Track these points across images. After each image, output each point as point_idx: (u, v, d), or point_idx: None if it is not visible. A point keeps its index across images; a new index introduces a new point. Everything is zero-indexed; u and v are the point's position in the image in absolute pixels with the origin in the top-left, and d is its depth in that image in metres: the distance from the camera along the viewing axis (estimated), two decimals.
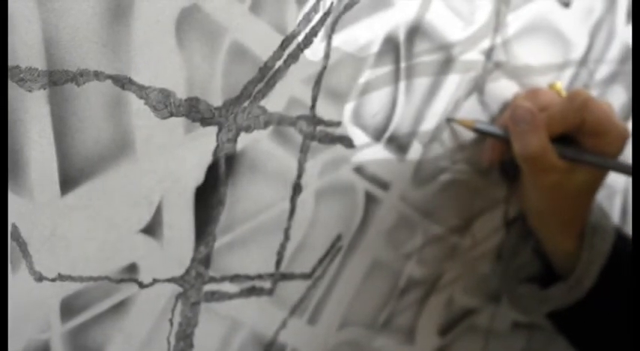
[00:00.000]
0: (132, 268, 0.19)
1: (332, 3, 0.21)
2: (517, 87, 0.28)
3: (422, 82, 0.24)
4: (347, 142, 0.23)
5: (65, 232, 0.17)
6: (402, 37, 0.23)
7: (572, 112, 0.24)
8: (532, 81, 0.28)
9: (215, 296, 0.21)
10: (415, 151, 0.25)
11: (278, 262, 0.23)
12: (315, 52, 0.21)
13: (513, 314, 0.33)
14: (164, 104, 0.18)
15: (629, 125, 0.32)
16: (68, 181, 0.17)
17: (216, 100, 0.19)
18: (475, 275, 0.30)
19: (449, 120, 0.25)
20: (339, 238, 0.24)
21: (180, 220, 0.20)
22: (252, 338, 0.23)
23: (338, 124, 0.22)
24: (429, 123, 0.25)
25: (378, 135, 0.24)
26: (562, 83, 0.28)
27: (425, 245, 0.27)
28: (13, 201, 0.16)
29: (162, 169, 0.19)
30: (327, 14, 0.20)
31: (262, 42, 0.19)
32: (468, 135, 0.27)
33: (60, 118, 0.17)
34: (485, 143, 0.27)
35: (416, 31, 0.23)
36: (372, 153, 0.24)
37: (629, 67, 0.33)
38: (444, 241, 0.28)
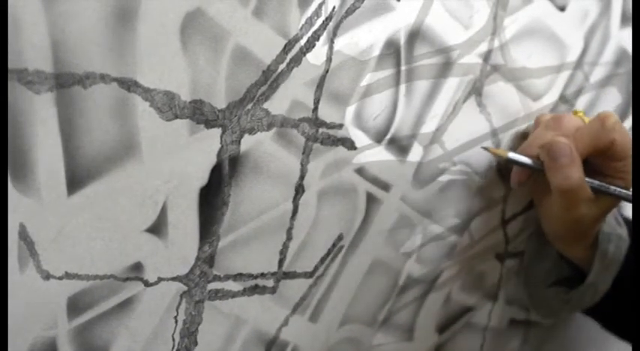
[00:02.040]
0: (137, 267, 0.19)
1: (334, 7, 0.21)
2: (514, 89, 0.28)
3: (422, 85, 0.24)
4: (349, 143, 0.23)
5: (72, 232, 0.18)
6: (402, 40, 0.23)
7: (604, 133, 0.24)
8: (529, 83, 0.29)
9: (219, 294, 0.22)
10: (415, 153, 0.25)
11: (280, 261, 0.23)
12: (317, 56, 0.21)
13: (510, 312, 0.33)
14: (169, 106, 0.18)
15: (628, 125, 0.32)
16: (75, 181, 0.17)
17: (220, 103, 0.19)
18: (473, 273, 0.30)
19: (483, 148, 0.26)
20: (340, 237, 0.24)
21: (185, 220, 0.20)
22: (254, 335, 0.23)
23: (340, 126, 0.23)
24: (429, 125, 0.25)
25: (379, 137, 0.24)
26: (558, 86, 0.28)
27: (424, 244, 0.27)
28: (21, 201, 0.17)
29: (167, 170, 0.19)
30: (329, 18, 0.21)
31: (265, 46, 0.20)
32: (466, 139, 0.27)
33: (67, 120, 0.17)
34: (512, 167, 0.27)
35: (416, 34, 0.23)
36: (374, 155, 0.24)
37: (623, 70, 0.33)
38: (442, 241, 0.28)
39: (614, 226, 0.28)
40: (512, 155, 0.26)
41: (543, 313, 0.30)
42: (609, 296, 0.27)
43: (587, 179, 0.25)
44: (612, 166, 0.25)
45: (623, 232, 0.28)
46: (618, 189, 0.25)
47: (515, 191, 0.30)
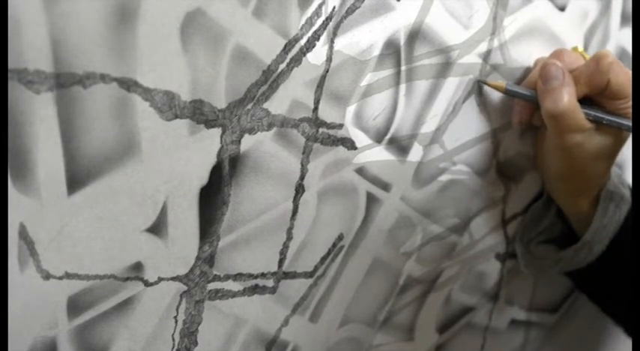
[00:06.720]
0: (137, 267, 0.19)
1: (334, 7, 0.21)
2: None
3: (422, 85, 0.24)
4: (349, 143, 0.23)
5: (72, 231, 0.18)
6: (402, 40, 0.23)
7: (597, 74, 0.24)
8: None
9: (219, 294, 0.22)
10: (415, 153, 0.25)
11: (281, 261, 0.23)
12: (317, 56, 0.21)
13: (511, 312, 0.33)
14: (169, 106, 0.18)
15: None
16: (75, 181, 0.17)
17: (220, 103, 0.19)
18: (473, 273, 0.30)
19: (480, 82, 0.26)
20: (340, 237, 0.24)
21: (185, 220, 0.20)
22: (255, 335, 0.23)
23: (340, 126, 0.23)
24: (429, 125, 0.25)
25: (379, 137, 0.24)
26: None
27: (424, 244, 0.27)
28: (21, 201, 0.17)
29: (167, 169, 0.19)
30: (329, 18, 0.21)
31: (265, 45, 0.20)
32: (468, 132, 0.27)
33: (67, 120, 0.17)
34: (514, 105, 0.27)
35: (416, 34, 0.23)
36: (374, 154, 0.24)
37: None
38: (442, 240, 0.28)
39: (618, 185, 0.27)
40: (510, 87, 0.26)
41: (533, 270, 0.30)
42: (601, 261, 0.27)
43: (584, 110, 0.25)
44: (613, 104, 0.25)
45: (626, 193, 0.27)
46: (617, 117, 0.25)
47: (515, 191, 0.30)
